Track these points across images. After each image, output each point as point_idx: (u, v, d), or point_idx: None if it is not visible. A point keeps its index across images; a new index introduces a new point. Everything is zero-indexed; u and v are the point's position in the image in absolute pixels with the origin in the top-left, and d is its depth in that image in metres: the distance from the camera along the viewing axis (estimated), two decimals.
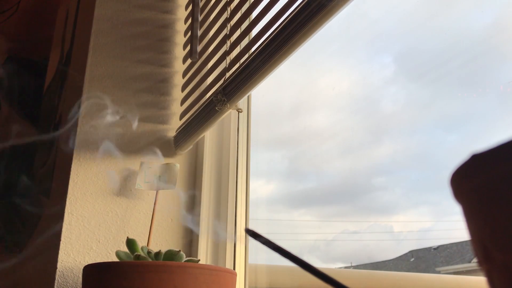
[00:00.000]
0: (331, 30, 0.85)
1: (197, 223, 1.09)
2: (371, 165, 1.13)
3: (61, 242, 0.98)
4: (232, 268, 1.00)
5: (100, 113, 1.11)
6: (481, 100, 0.86)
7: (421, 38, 0.96)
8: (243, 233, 1.03)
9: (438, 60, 0.92)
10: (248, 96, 1.12)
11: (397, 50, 1.07)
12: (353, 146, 1.14)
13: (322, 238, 1.21)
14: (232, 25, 1.00)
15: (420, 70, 0.97)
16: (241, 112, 1.09)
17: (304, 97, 1.24)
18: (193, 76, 1.12)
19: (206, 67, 1.08)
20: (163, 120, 1.17)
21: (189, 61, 1.15)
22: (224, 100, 0.93)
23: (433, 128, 1.01)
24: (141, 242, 0.95)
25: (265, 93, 1.12)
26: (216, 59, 1.03)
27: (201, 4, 1.15)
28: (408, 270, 1.30)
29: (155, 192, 1.02)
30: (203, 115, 1.00)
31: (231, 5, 1.02)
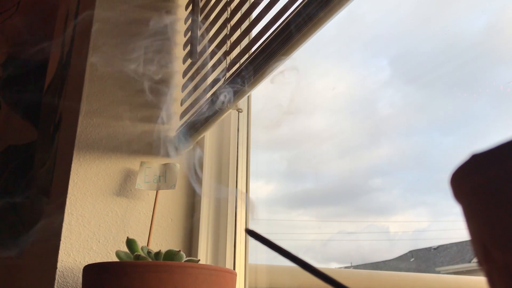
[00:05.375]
0: (329, 32, 0.85)
1: (197, 223, 1.09)
2: (368, 167, 1.13)
3: (61, 242, 0.98)
4: (232, 268, 1.00)
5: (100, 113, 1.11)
6: (477, 102, 0.86)
7: (416, 41, 0.96)
8: (243, 233, 1.03)
9: (433, 62, 0.92)
10: (248, 96, 1.12)
11: (393, 52, 1.07)
12: (351, 147, 1.15)
13: (320, 239, 1.21)
14: (232, 25, 1.01)
15: (416, 72, 0.97)
16: (241, 112, 1.10)
17: (302, 99, 1.24)
18: (193, 76, 1.12)
19: (206, 67, 1.08)
20: (163, 120, 1.17)
21: (189, 61, 1.15)
22: (224, 100, 0.93)
23: (429, 129, 1.01)
24: (141, 242, 0.95)
25: (264, 93, 1.13)
26: (216, 59, 1.04)
27: (201, 4, 1.15)
28: (408, 270, 1.30)
29: (155, 192, 1.02)
30: (203, 115, 1.00)
31: (231, 5, 1.02)
